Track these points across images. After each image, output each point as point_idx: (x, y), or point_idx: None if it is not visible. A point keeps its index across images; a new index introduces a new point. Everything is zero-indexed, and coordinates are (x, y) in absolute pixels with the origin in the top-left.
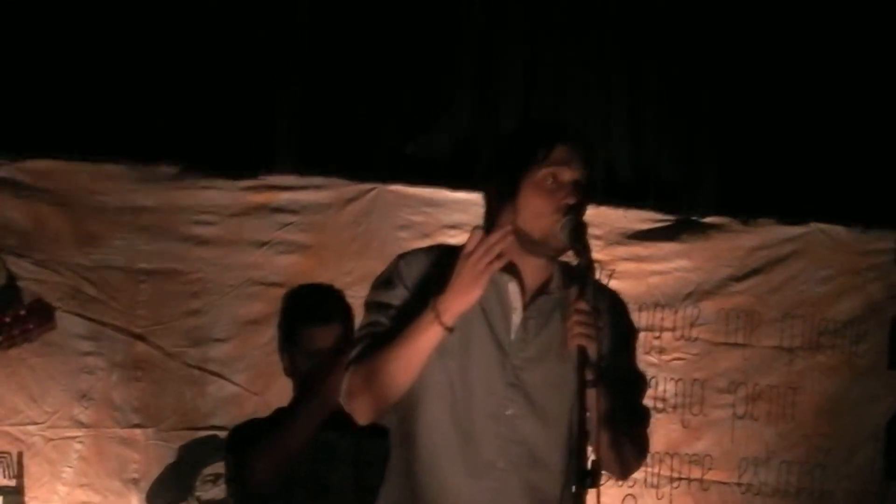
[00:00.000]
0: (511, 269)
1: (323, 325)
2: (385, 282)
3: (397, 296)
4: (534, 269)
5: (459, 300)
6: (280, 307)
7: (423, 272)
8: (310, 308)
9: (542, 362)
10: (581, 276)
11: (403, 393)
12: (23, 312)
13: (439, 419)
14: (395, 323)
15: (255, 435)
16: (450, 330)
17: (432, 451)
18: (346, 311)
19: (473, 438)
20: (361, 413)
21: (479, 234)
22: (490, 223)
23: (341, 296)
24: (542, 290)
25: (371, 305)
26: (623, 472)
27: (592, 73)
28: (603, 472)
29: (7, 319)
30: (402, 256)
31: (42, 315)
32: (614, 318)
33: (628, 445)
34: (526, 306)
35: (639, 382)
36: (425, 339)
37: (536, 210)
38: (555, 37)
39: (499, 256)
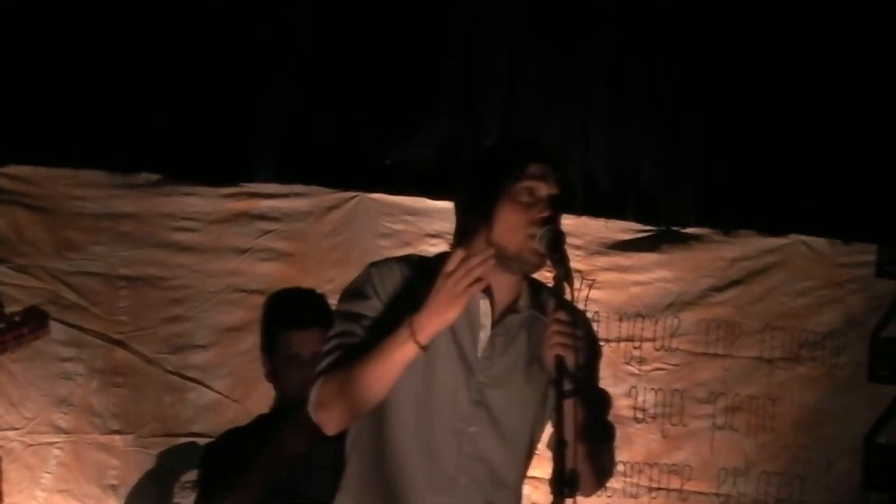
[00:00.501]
0: (483, 287)
1: (302, 330)
2: (356, 291)
3: (369, 306)
4: (504, 286)
5: (436, 320)
6: (261, 311)
7: (395, 283)
8: (289, 312)
9: (507, 381)
10: (559, 286)
11: (374, 406)
12: (17, 318)
13: (403, 433)
14: (367, 334)
15: (226, 461)
16: (424, 348)
17: (394, 464)
18: (326, 316)
19: (436, 454)
20: (330, 424)
21: (461, 254)
22: (462, 237)
23: (322, 301)
24: (511, 307)
25: (342, 315)
26: (595, 486)
27: (573, 83)
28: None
29: (2, 325)
30: (374, 265)
31: (36, 321)
32: (583, 332)
33: (601, 459)
34: (494, 324)
35: (603, 399)
36: (399, 355)
37: (511, 224)
38: (536, 47)
39: (478, 280)
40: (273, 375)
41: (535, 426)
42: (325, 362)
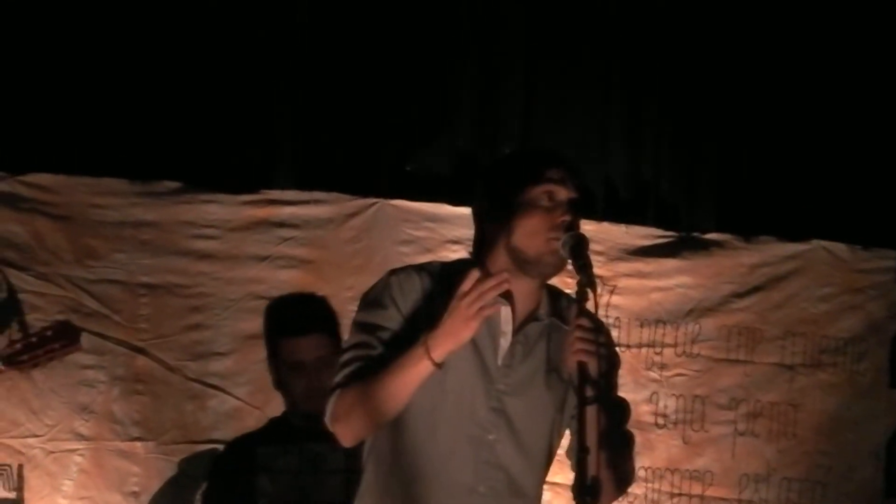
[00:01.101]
0: (504, 293)
1: (301, 337)
2: (374, 300)
3: (387, 316)
4: (524, 293)
5: (450, 340)
6: (262, 320)
7: (414, 292)
8: (287, 319)
9: (526, 389)
10: (582, 292)
11: (390, 420)
12: (49, 333)
13: (420, 441)
14: (384, 346)
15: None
16: (439, 366)
17: (411, 472)
18: (328, 320)
19: (454, 462)
20: (346, 437)
21: (476, 275)
22: (481, 244)
23: (322, 304)
24: (532, 315)
25: (359, 325)
26: (616, 493)
27: (591, 90)
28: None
29: (34, 339)
30: (393, 273)
31: (68, 336)
32: (603, 340)
33: (622, 466)
34: (515, 332)
35: (623, 407)
36: (415, 372)
37: (531, 228)
38: (554, 55)
39: (492, 303)
40: (278, 383)
41: (553, 435)
42: (341, 374)
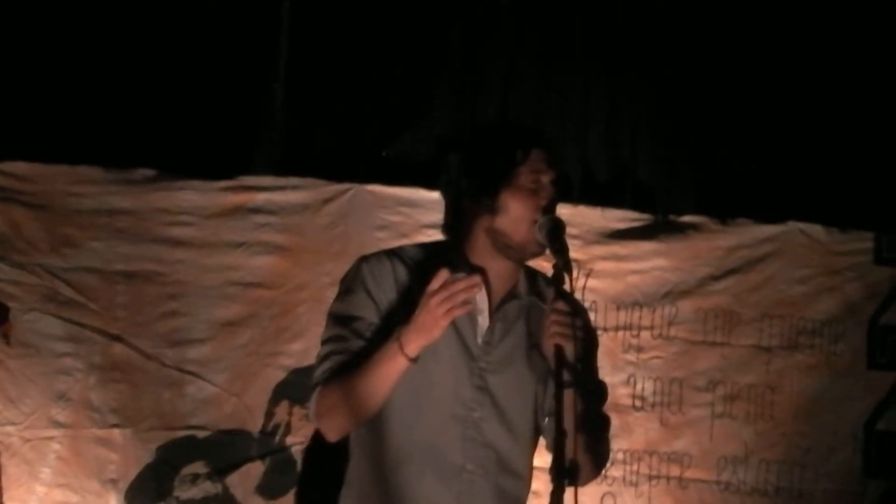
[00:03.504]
0: (477, 272)
1: None
2: (346, 290)
3: (361, 305)
4: (501, 273)
5: (421, 336)
6: None
7: (386, 277)
8: None
9: (508, 366)
10: (558, 276)
11: (373, 413)
12: None
13: (405, 424)
14: (360, 338)
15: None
16: (414, 361)
17: (399, 456)
18: None
19: (440, 442)
20: (331, 433)
21: (445, 275)
22: (457, 225)
23: None
24: (510, 295)
25: (334, 317)
26: (593, 474)
27: (570, 74)
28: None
29: None
30: (364, 260)
31: None
32: (581, 322)
33: (598, 448)
34: (494, 310)
35: (601, 390)
36: (391, 367)
37: (518, 214)
38: (534, 39)
39: (462, 304)
40: None
41: (536, 412)
42: (320, 370)
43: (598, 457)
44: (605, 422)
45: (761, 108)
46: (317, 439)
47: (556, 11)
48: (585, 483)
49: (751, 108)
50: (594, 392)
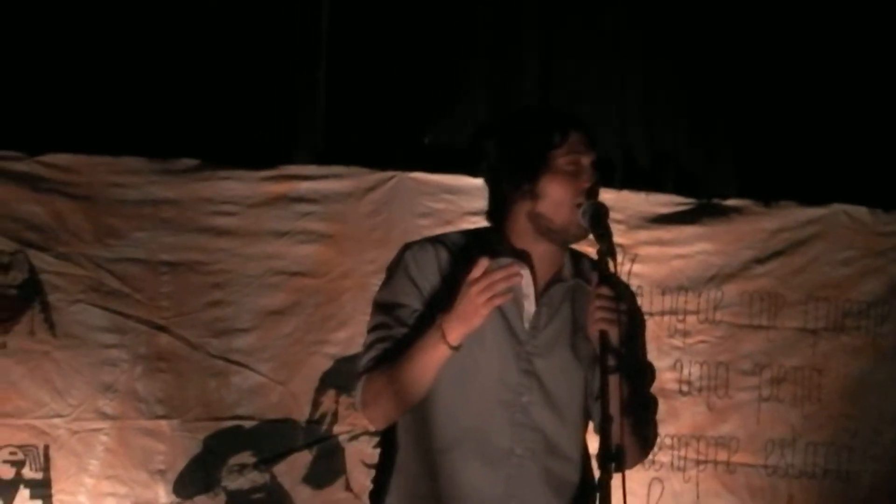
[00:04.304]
0: (522, 257)
1: None
2: (390, 278)
3: (404, 293)
4: (545, 256)
5: (462, 324)
6: None
7: (430, 264)
8: None
9: (554, 350)
10: (602, 260)
11: (417, 401)
12: None
13: (452, 410)
14: (404, 325)
15: None
16: (455, 349)
17: (446, 442)
18: None
19: (488, 427)
20: (377, 421)
21: (485, 263)
22: (499, 210)
23: None
24: (555, 278)
25: (379, 305)
26: (639, 457)
27: (608, 60)
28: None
29: None
30: (408, 247)
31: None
32: (627, 306)
33: (645, 431)
34: (539, 294)
35: (648, 372)
36: (433, 355)
37: (559, 197)
38: (570, 27)
39: (502, 292)
40: None
41: (585, 393)
42: (365, 359)
43: (646, 439)
44: (652, 404)
45: (803, 89)
46: None
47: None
48: (633, 465)
49: (793, 91)
50: (641, 374)
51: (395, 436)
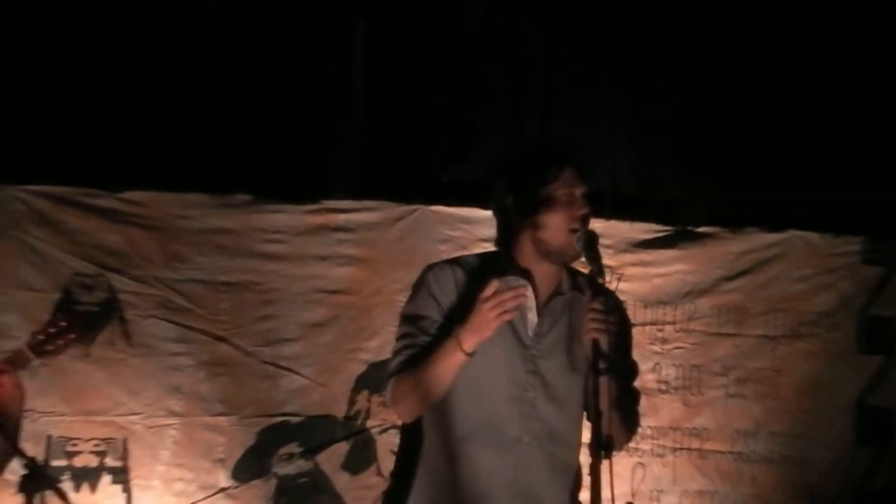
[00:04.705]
0: (527, 275)
1: None
2: (415, 294)
3: (426, 306)
4: (546, 274)
5: (476, 335)
6: None
7: (448, 281)
8: None
9: (555, 352)
10: (594, 280)
11: (439, 398)
12: (63, 324)
13: (470, 407)
14: (426, 334)
15: None
16: (470, 355)
17: (464, 433)
18: None
19: (500, 419)
20: (404, 416)
21: (495, 284)
22: (506, 237)
23: None
24: (555, 292)
25: (405, 317)
26: (625, 440)
27: (602, 109)
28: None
29: (52, 331)
30: (429, 268)
31: (81, 326)
32: (616, 316)
33: (630, 419)
34: (542, 306)
35: (633, 370)
36: (452, 361)
37: (555, 224)
38: (570, 83)
39: (510, 310)
40: None
41: (583, 388)
42: (394, 363)
43: (631, 425)
44: (636, 395)
45: (765, 133)
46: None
47: (590, 60)
48: (621, 447)
49: (756, 134)
50: (628, 370)
51: (421, 429)
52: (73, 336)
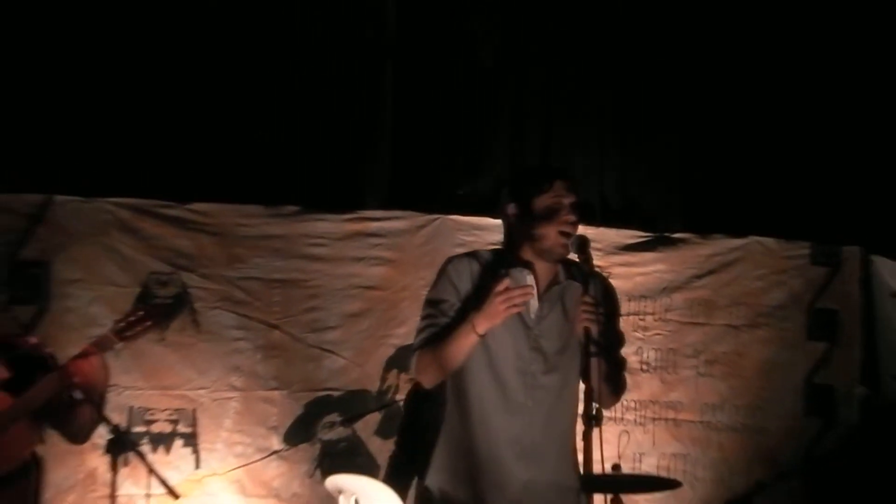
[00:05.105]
0: (529, 267)
1: None
2: (437, 281)
3: (446, 292)
4: (544, 269)
5: (487, 321)
6: None
7: (464, 272)
8: None
9: (553, 332)
10: (586, 278)
11: (455, 369)
12: (142, 313)
13: (484, 378)
14: (445, 315)
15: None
16: (482, 336)
17: (480, 399)
18: None
19: (508, 388)
20: (426, 382)
21: (506, 282)
22: (511, 240)
23: None
24: (552, 282)
25: (428, 301)
26: (614, 401)
27: (593, 134)
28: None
29: (132, 319)
30: (450, 260)
31: (154, 315)
32: (607, 297)
33: (617, 383)
34: (542, 294)
35: (621, 341)
36: (466, 341)
37: (546, 229)
38: (565, 110)
39: (517, 305)
40: None
41: (579, 360)
42: (418, 339)
43: (618, 388)
44: (622, 362)
45: (732, 155)
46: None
47: (581, 90)
48: (610, 407)
49: (723, 156)
50: (618, 342)
51: (445, 396)
52: (149, 324)
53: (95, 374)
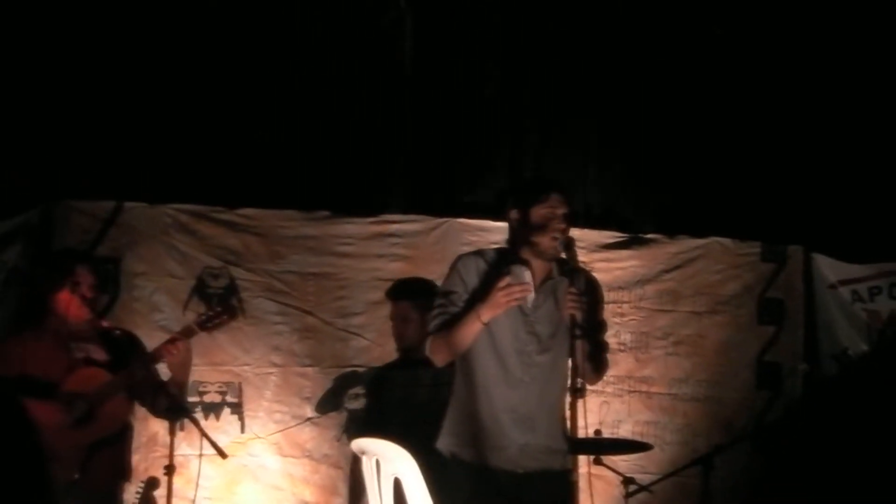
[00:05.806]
0: (526, 263)
1: (399, 302)
2: (449, 275)
3: (456, 284)
4: (540, 265)
5: (490, 312)
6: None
7: (473, 267)
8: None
9: (547, 318)
10: (571, 272)
11: (464, 350)
12: (218, 309)
13: (487, 357)
14: (455, 305)
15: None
16: (486, 324)
17: (483, 375)
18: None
19: (508, 366)
20: (439, 362)
21: (508, 279)
22: (513, 242)
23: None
24: (547, 277)
25: (441, 292)
26: (599, 377)
27: (578, 153)
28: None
29: (211, 313)
30: (460, 258)
31: (230, 311)
32: (590, 288)
33: (600, 361)
34: (538, 287)
35: (604, 326)
36: (472, 327)
37: (542, 234)
38: (555, 132)
39: (517, 300)
40: (394, 330)
41: (569, 341)
42: (432, 325)
43: (600, 366)
44: (605, 345)
45: (696, 169)
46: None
47: (570, 114)
48: (594, 383)
49: (689, 170)
50: (601, 327)
51: (455, 372)
52: (225, 317)
53: (183, 357)
